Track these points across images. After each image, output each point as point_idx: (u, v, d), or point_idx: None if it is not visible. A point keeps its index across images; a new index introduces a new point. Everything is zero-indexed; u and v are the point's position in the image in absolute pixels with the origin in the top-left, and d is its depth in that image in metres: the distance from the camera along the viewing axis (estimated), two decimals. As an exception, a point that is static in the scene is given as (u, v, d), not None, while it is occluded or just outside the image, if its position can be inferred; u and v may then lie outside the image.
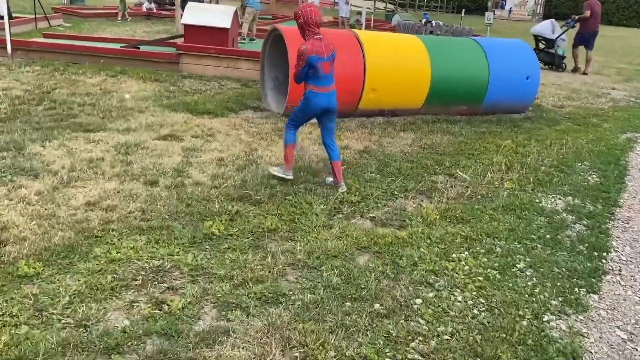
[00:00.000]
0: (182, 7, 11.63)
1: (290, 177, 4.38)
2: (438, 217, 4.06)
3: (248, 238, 3.50)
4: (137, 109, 6.25)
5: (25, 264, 2.91)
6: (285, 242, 3.51)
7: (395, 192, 4.50)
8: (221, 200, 3.98)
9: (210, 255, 3.25)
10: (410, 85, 6.78)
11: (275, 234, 3.59)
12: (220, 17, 9.05)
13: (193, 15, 8.94)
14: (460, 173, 5.09)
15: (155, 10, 17.23)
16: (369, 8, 24.29)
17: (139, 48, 9.24)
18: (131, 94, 6.94)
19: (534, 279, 3.31)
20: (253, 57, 8.74)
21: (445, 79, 6.91)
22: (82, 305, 2.64)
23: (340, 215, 3.97)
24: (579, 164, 5.72)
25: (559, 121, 7.65)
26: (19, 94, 6.47)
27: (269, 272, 3.11)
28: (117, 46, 9.17)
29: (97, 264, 3.03)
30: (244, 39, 11.04)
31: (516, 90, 7.48)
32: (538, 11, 47.63)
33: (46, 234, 3.27)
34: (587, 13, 12.14)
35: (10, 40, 8.53)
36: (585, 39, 12.22)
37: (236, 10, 9.71)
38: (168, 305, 2.72)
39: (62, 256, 3.06)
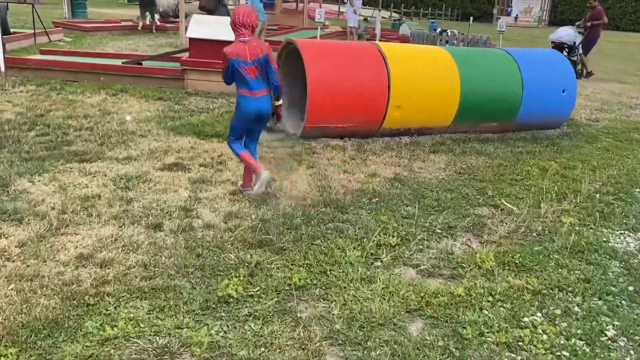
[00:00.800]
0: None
1: (266, 179, 4.05)
2: (494, 263, 3.42)
3: (272, 299, 2.87)
4: (138, 132, 5.66)
5: (-4, 350, 2.30)
6: (318, 302, 2.88)
7: (438, 231, 3.86)
8: (237, 248, 3.35)
9: (228, 326, 2.62)
10: (438, 102, 6.17)
11: (304, 291, 2.97)
12: (227, 29, 8.45)
13: (198, 28, 8.37)
14: (507, 204, 4.45)
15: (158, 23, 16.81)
16: (383, 17, 23.85)
17: (141, 64, 8.68)
18: (132, 115, 6.36)
19: (632, 352, 2.66)
20: (263, 72, 8.16)
21: (476, 93, 6.30)
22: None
23: (379, 264, 3.34)
24: (637, 189, 5.08)
25: (598, 137, 7.00)
26: (10, 118, 5.89)
27: (302, 349, 2.48)
28: (118, 62, 8.61)
29: (87, 345, 2.40)
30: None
31: (551, 104, 6.85)
32: (544, 17, 47.18)
33: (26, 303, 2.65)
34: (605, 19, 12.03)
35: (4, 57, 7.99)
36: (592, 45, 12.11)
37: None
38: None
39: (43, 335, 2.44)
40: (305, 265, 3.22)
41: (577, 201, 4.60)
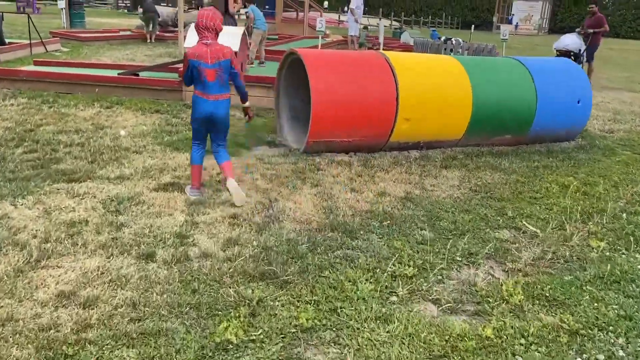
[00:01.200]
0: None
1: (195, 196, 4.11)
2: (523, 297, 3.08)
3: (277, 344, 2.53)
4: (133, 149, 5.33)
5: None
6: (329, 348, 2.54)
7: (458, 258, 3.52)
8: (237, 282, 3.02)
9: (227, 380, 2.28)
10: (449, 114, 5.85)
11: (312, 334, 2.63)
12: (227, 39, 8.16)
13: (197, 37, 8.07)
14: (529, 226, 4.11)
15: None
16: (386, 25, 23.61)
17: (137, 75, 8.38)
18: (127, 129, 6.04)
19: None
20: (264, 83, 7.88)
21: (488, 105, 5.98)
22: None
23: (395, 299, 3.00)
24: (665, 208, 4.75)
25: (616, 150, 6.67)
26: (-3, 133, 5.58)
27: (313, 408, 2.14)
28: (114, 73, 8.31)
29: (62, 408, 2.06)
30: (252, 63, 10.19)
31: (566, 115, 6.53)
32: (544, 25, 47.08)
33: (-6, 355, 2.31)
34: (607, 27, 11.81)
35: (-5, 69, 7.70)
36: (593, 52, 11.89)
37: (245, 32, 8.87)
38: None
39: (11, 396, 2.10)
40: (312, 302, 2.88)
41: (604, 222, 4.27)
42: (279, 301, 2.87)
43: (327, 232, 3.73)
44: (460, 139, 6.10)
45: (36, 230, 3.48)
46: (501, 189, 4.89)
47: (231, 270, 3.14)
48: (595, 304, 3.06)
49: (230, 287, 2.96)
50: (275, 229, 3.72)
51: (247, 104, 4.28)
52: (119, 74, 8.23)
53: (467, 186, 4.94)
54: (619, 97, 10.93)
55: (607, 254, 3.73)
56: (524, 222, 4.17)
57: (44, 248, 3.25)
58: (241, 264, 3.21)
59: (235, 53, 8.20)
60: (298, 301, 2.88)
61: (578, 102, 6.55)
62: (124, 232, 3.54)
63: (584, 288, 3.23)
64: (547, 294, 3.13)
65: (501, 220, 4.21)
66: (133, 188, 4.30)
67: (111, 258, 3.21)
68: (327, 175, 4.95)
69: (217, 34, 3.93)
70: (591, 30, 11.60)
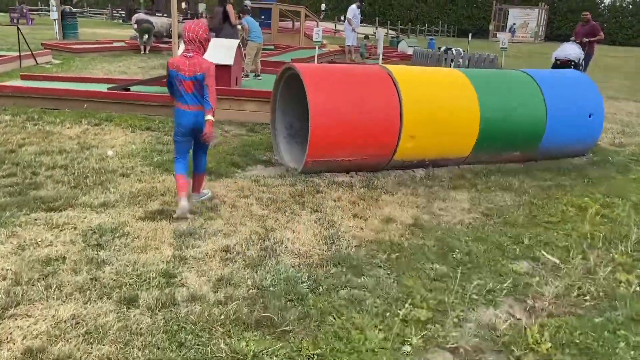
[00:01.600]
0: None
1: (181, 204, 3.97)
2: (550, 344, 2.74)
3: (275, 412, 2.18)
4: (120, 171, 4.99)
5: None
6: (335, 415, 2.19)
7: (475, 297, 3.19)
8: (229, 332, 2.67)
9: None
10: (456, 130, 5.53)
11: (316, 397, 2.28)
12: (222, 52, 7.89)
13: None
14: (549, 256, 3.78)
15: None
16: (387, 34, 23.44)
17: (129, 89, 8.06)
18: (115, 149, 5.70)
19: None
20: (259, 97, 7.56)
21: (497, 120, 5.68)
22: None
23: (409, 349, 2.66)
24: (692, 232, 4.42)
25: (629, 167, 6.37)
26: (-25, 155, 5.23)
27: None
28: (104, 88, 7.98)
29: None
30: (247, 76, 9.89)
31: (578, 130, 6.23)
32: (540, 33, 47.07)
33: None
34: (602, 35, 11.61)
35: (-21, 85, 7.37)
36: (589, 61, 11.72)
37: (239, 44, 8.57)
38: None
39: None
40: (316, 357, 2.53)
41: (629, 250, 3.94)
42: (276, 356, 2.53)
43: (329, 268, 3.39)
44: (467, 157, 5.79)
45: (7, 270, 3.13)
46: (514, 213, 4.56)
47: (223, 317, 2.79)
48: (632, 353, 2.72)
49: (221, 339, 2.61)
50: (271, 264, 3.38)
51: (208, 117, 3.88)
52: (109, 88, 7.90)
53: (478, 210, 4.61)
54: (625, 108, 10.67)
55: (638, 289, 3.39)
56: (543, 252, 3.84)
57: (14, 293, 2.89)
58: (234, 309, 2.86)
59: (230, 67, 7.92)
60: (299, 356, 2.54)
61: (589, 116, 6.25)
62: (104, 271, 3.19)
63: (618, 333, 2.89)
64: (578, 340, 2.80)
65: (518, 249, 3.88)
66: (117, 217, 3.95)
67: (88, 303, 2.86)
68: (327, 199, 4.61)
69: (201, 44, 3.94)
70: (586, 39, 11.36)
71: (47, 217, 3.90)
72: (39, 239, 3.56)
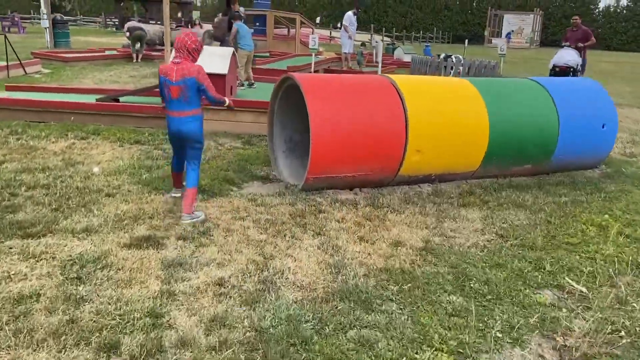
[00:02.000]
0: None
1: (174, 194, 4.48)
2: (590, 395, 2.41)
3: None
4: (105, 190, 4.64)
5: None
6: None
7: (498, 334, 2.85)
8: (225, 387, 2.32)
9: None
10: (464, 143, 5.21)
11: None
12: (216, 61, 7.56)
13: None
14: (574, 284, 3.45)
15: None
16: (385, 41, 23.24)
17: (118, 100, 7.71)
18: (101, 165, 5.35)
19: None
20: (255, 108, 7.23)
21: (507, 132, 5.37)
22: None
23: (429, 403, 2.32)
24: None
25: (645, 178, 6.07)
26: (-49, 174, 4.87)
27: None
28: (92, 99, 7.63)
29: None
30: (242, 85, 9.56)
31: (591, 141, 5.93)
32: (535, 39, 47.05)
33: None
34: (594, 40, 11.39)
35: (-40, 97, 7.01)
36: (584, 66, 11.50)
37: (234, 53, 8.25)
38: None
39: None
40: (324, 417, 2.19)
41: (660, 276, 3.62)
42: (279, 417, 2.18)
43: (335, 303, 3.05)
44: (476, 171, 5.47)
45: (-29, 312, 2.77)
46: (532, 234, 4.23)
47: (217, 367, 2.44)
48: (685, 404, 2.39)
49: (214, 396, 2.26)
50: (271, 300, 3.03)
51: (227, 102, 4.35)
52: (97, 99, 7.55)
53: (491, 230, 4.28)
54: (631, 116, 10.40)
55: (677, 323, 3.07)
56: (567, 279, 3.51)
57: (-23, 340, 2.54)
58: (229, 357, 2.51)
59: (224, 76, 7.59)
60: (304, 416, 2.19)
61: (603, 126, 5.95)
62: (83, 310, 2.83)
63: (665, 379, 2.56)
64: (621, 390, 2.46)
65: (540, 276, 3.54)
66: (101, 245, 3.59)
67: (63, 352, 2.50)
68: (330, 220, 4.27)
69: (189, 52, 4.02)
70: (580, 44, 11.11)
71: (23, 245, 3.54)
72: (12, 272, 3.20)
